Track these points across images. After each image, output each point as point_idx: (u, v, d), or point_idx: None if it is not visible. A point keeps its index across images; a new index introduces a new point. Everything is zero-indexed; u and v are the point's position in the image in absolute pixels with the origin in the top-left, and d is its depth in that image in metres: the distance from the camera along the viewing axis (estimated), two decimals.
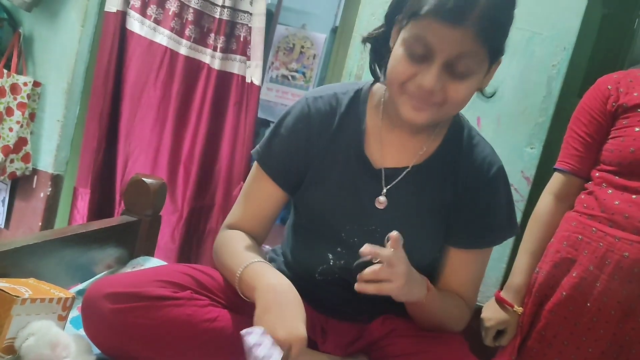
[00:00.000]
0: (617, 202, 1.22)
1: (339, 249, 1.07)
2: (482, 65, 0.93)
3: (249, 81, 2.09)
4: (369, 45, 1.08)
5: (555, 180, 1.40)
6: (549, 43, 1.78)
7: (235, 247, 1.05)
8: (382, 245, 0.92)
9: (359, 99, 1.08)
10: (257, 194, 1.11)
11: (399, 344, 1.03)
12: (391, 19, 0.99)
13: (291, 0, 3.83)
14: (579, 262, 1.26)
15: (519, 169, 1.82)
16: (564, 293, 1.27)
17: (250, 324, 0.95)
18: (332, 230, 1.05)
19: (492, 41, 0.90)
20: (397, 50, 0.93)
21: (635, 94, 1.25)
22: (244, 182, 2.09)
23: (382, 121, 1.06)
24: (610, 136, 1.29)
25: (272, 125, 1.11)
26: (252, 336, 0.87)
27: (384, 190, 1.04)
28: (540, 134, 1.81)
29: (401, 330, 1.06)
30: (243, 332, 0.88)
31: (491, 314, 1.43)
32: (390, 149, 1.06)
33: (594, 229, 1.25)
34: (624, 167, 1.22)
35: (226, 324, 0.97)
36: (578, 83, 1.85)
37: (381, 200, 1.04)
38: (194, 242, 2.18)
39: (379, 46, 1.04)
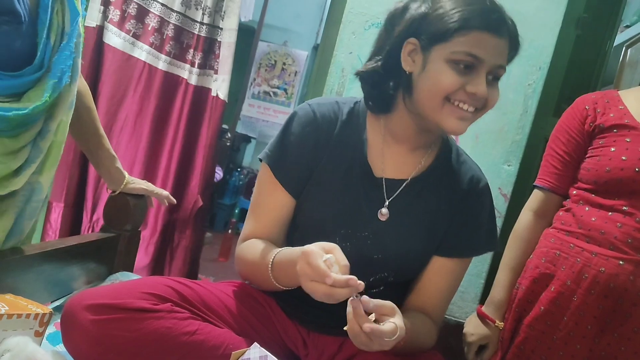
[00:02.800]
0: (593, 219, 1.24)
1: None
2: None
3: (215, 94, 2.10)
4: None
5: (535, 198, 1.43)
6: (525, 63, 1.83)
7: (258, 248, 1.06)
8: (372, 253, 0.96)
9: (358, 110, 1.11)
10: (271, 203, 1.10)
11: (379, 358, 1.02)
12: (394, 47, 1.02)
13: (273, 18, 3.86)
14: (557, 277, 1.28)
15: (496, 186, 1.84)
16: (542, 308, 1.29)
17: (230, 336, 0.96)
18: (325, 234, 1.03)
19: (516, 49, 1.03)
20: (439, 66, 0.97)
21: (611, 115, 1.28)
22: (200, 196, 2.11)
23: (383, 136, 1.09)
24: (587, 155, 1.32)
25: (278, 133, 1.11)
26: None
27: (387, 203, 1.07)
28: (517, 151, 1.84)
29: None
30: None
31: (473, 329, 1.45)
32: (391, 161, 1.09)
33: (571, 244, 1.27)
34: (600, 185, 1.25)
35: (206, 337, 0.96)
36: (553, 101, 1.90)
37: (383, 212, 1.07)
38: (167, 256, 2.16)
39: (379, 77, 1.06)
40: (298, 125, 1.08)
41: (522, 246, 1.41)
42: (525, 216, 1.43)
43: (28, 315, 0.92)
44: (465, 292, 1.87)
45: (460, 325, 1.84)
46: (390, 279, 1.09)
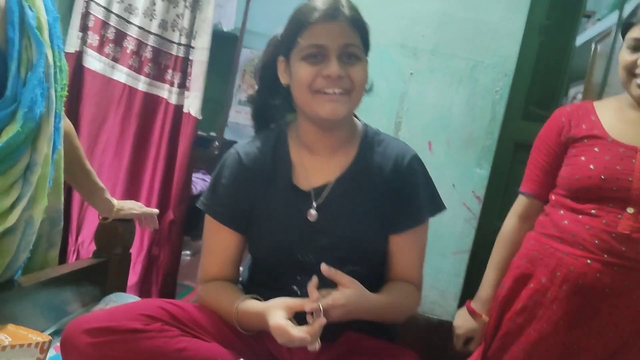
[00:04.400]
0: (565, 222, 1.33)
1: (298, 277, 1.16)
2: (362, 53, 1.14)
3: (187, 111, 2.16)
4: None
5: (519, 203, 1.52)
6: (491, 70, 1.91)
7: (220, 295, 1.18)
8: (333, 254, 1.09)
9: (279, 140, 1.24)
10: (218, 244, 1.22)
11: None
12: (268, 75, 1.20)
13: (254, 24, 3.91)
14: (534, 276, 1.36)
15: (470, 190, 1.93)
16: (521, 304, 1.38)
17: (218, 350, 1.05)
18: (288, 255, 1.16)
19: (361, 29, 1.13)
20: (297, 67, 1.12)
21: (583, 126, 1.37)
22: (172, 210, 2.17)
23: (300, 152, 1.21)
24: (563, 164, 1.41)
25: (210, 181, 1.24)
26: None
27: (314, 205, 1.17)
28: (487, 155, 1.92)
29: (361, 348, 1.14)
30: None
31: (461, 322, 1.55)
32: (314, 172, 1.20)
33: (547, 246, 1.36)
34: (572, 192, 1.34)
35: (195, 352, 1.04)
36: (521, 106, 1.98)
37: (312, 213, 1.17)
38: (154, 273, 2.21)
39: (264, 100, 1.25)
40: (227, 169, 1.21)
41: (507, 248, 1.50)
42: (511, 220, 1.52)
43: (30, 345, 0.99)
44: (446, 292, 1.95)
45: (442, 323, 1.93)
46: (361, 271, 1.16)
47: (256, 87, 1.25)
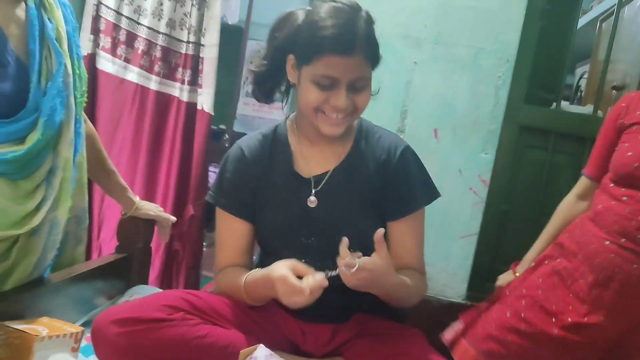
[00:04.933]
0: (600, 206, 1.40)
1: (304, 260, 1.20)
2: (371, 75, 1.18)
3: (200, 108, 2.21)
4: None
5: (580, 183, 1.59)
6: (493, 56, 1.95)
7: (230, 276, 1.25)
8: (333, 239, 1.10)
9: (280, 131, 1.31)
10: (229, 233, 1.29)
11: (367, 343, 1.18)
12: (279, 57, 1.22)
13: (259, 16, 3.93)
14: (569, 249, 1.43)
15: (476, 174, 1.98)
16: (547, 262, 1.48)
17: (237, 336, 1.11)
18: (291, 239, 1.23)
19: (375, 58, 1.17)
20: (306, 84, 1.15)
21: (637, 113, 1.41)
22: (192, 205, 2.23)
23: (301, 142, 1.28)
24: (616, 148, 1.46)
25: (217, 175, 1.31)
26: None
27: (313, 192, 1.25)
28: (492, 140, 1.97)
29: (370, 329, 1.21)
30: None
31: (501, 277, 1.70)
32: (314, 160, 1.27)
33: (584, 225, 1.43)
34: (615, 177, 1.40)
35: (216, 339, 1.11)
36: (523, 90, 2.02)
37: (312, 200, 1.24)
38: (174, 267, 2.28)
39: (264, 78, 1.27)
40: (230, 164, 1.29)
41: (557, 221, 1.60)
42: (568, 198, 1.61)
43: (64, 335, 1.06)
44: (456, 274, 2.01)
45: (453, 305, 1.99)
46: (359, 253, 1.21)
47: (264, 61, 1.26)
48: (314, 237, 1.23)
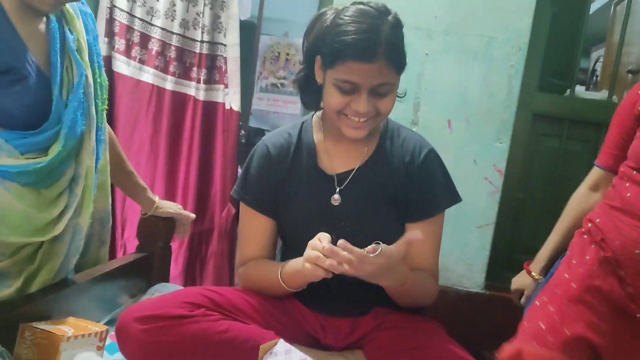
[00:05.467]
0: (629, 194, 1.33)
1: None
2: (396, 80, 1.17)
3: (229, 107, 2.24)
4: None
5: (592, 174, 1.55)
6: (505, 45, 1.95)
7: (263, 265, 1.28)
8: (354, 237, 1.11)
9: (305, 128, 1.32)
10: (252, 229, 1.31)
11: (386, 336, 1.20)
12: (310, 59, 1.22)
13: (271, 10, 3.95)
14: (596, 240, 1.35)
15: (490, 163, 1.98)
16: (578, 263, 1.36)
17: (257, 331, 1.14)
18: (312, 236, 1.21)
19: (399, 64, 1.15)
20: (329, 87, 1.16)
21: None
22: (231, 203, 2.27)
23: (326, 139, 1.29)
24: (635, 136, 1.39)
25: (242, 171, 1.34)
26: (278, 356, 1.04)
27: (337, 190, 1.25)
28: (506, 129, 1.97)
29: (388, 322, 1.23)
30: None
31: (516, 278, 1.64)
32: (338, 158, 1.28)
33: (611, 215, 1.35)
34: (637, 164, 1.34)
35: (236, 334, 1.14)
36: (536, 78, 2.01)
37: (335, 198, 1.25)
38: (197, 264, 2.32)
39: (306, 84, 1.27)
40: (255, 160, 1.31)
41: (571, 214, 1.55)
42: (580, 189, 1.57)
43: (90, 334, 1.10)
44: (473, 264, 2.02)
45: (470, 295, 2.00)
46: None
47: (301, 66, 1.27)
48: (334, 234, 1.21)
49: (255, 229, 1.31)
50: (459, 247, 2.01)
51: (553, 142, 2.05)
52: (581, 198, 1.55)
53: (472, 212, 2.00)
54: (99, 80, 1.31)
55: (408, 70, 1.98)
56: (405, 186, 1.26)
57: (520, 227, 2.08)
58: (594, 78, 3.22)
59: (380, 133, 1.29)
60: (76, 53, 1.21)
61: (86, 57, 1.25)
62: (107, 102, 1.36)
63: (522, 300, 1.60)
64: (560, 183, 2.01)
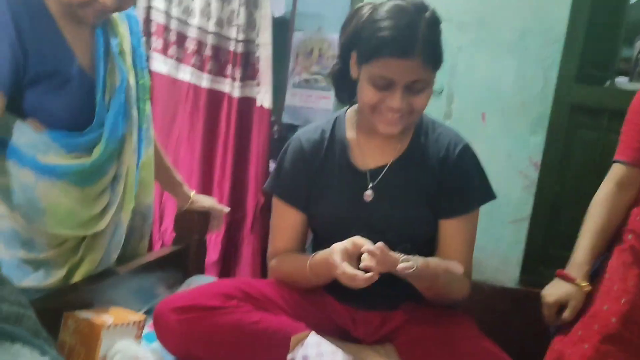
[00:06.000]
0: None
1: None
2: (432, 77, 1.16)
3: (260, 105, 2.29)
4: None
5: (616, 171, 1.42)
6: (540, 37, 1.92)
7: (293, 258, 1.31)
8: (385, 234, 1.14)
9: (339, 123, 1.32)
10: (284, 222, 1.34)
11: (417, 330, 1.21)
12: (346, 54, 1.22)
13: (304, 6, 3.97)
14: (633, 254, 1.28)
15: (526, 156, 1.95)
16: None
17: (288, 322, 1.17)
18: (343, 231, 1.23)
19: (435, 61, 1.15)
20: (364, 83, 1.16)
21: None
22: (261, 195, 2.31)
23: (358, 135, 1.29)
24: None
25: (275, 165, 1.36)
26: (309, 347, 1.06)
27: (370, 185, 1.26)
28: (542, 121, 1.94)
29: (419, 317, 1.23)
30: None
31: (551, 289, 1.41)
32: (371, 154, 1.28)
33: None
34: None
35: (267, 324, 1.17)
36: (574, 69, 1.97)
37: (368, 194, 1.26)
38: (232, 255, 2.37)
39: (339, 78, 1.28)
40: (289, 155, 1.33)
41: (603, 214, 1.41)
42: (606, 187, 1.43)
43: (129, 324, 1.15)
44: (507, 259, 2.00)
45: (505, 290, 1.98)
46: (409, 247, 1.22)
47: (336, 59, 1.28)
48: (364, 231, 1.21)
49: (286, 222, 1.33)
50: (492, 242, 2.00)
51: (592, 135, 2.00)
52: (612, 197, 1.40)
53: (507, 206, 1.98)
54: (141, 81, 1.35)
55: None
56: (439, 182, 1.25)
57: (557, 222, 2.04)
58: (637, 68, 3.12)
59: (415, 129, 1.29)
60: (119, 57, 1.26)
61: (129, 61, 1.30)
62: (149, 102, 1.40)
63: (566, 314, 1.34)
64: (598, 176, 1.93)
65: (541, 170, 1.96)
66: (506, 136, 1.96)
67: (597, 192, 1.46)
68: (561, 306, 1.36)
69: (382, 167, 1.26)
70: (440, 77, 1.98)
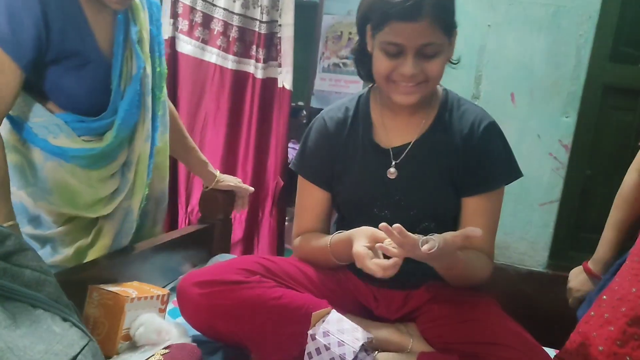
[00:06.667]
0: None
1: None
2: (444, 42, 1.12)
3: (281, 86, 2.29)
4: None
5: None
6: (574, 14, 1.86)
7: (315, 238, 1.30)
8: (409, 211, 1.14)
9: (363, 101, 1.31)
10: (308, 201, 1.33)
11: (439, 309, 1.19)
12: (362, 29, 1.20)
13: None
14: None
15: (556, 138, 1.91)
16: None
17: (310, 298, 1.16)
18: (365, 209, 1.24)
19: (444, 23, 1.10)
20: (377, 53, 1.15)
21: None
22: (280, 175, 2.32)
23: (382, 112, 1.27)
24: None
25: (300, 144, 1.35)
26: (330, 324, 1.06)
27: (393, 163, 1.24)
28: (574, 102, 1.89)
29: (442, 296, 1.22)
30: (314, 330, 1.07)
31: (580, 285, 1.47)
32: (394, 131, 1.26)
33: None
34: None
35: (289, 300, 1.16)
36: (607, 48, 1.91)
37: (391, 172, 1.23)
38: (254, 233, 2.41)
39: (360, 55, 1.26)
40: (313, 134, 1.31)
41: (627, 206, 1.40)
42: (631, 176, 1.41)
43: (152, 297, 1.16)
44: (535, 243, 1.96)
45: (532, 274, 1.95)
46: (432, 226, 1.23)
47: (357, 38, 1.26)
48: (388, 209, 1.23)
49: (311, 201, 1.33)
50: (521, 225, 1.96)
51: (626, 116, 1.94)
52: (634, 186, 1.37)
53: (536, 188, 1.94)
54: (158, 69, 1.36)
55: (469, 42, 1.96)
56: (464, 159, 1.22)
57: (587, 205, 1.99)
58: None
59: (440, 105, 1.26)
60: (137, 45, 1.26)
61: (147, 49, 1.30)
62: (165, 89, 1.40)
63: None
64: (631, 160, 1.90)
65: (572, 153, 1.91)
66: (536, 117, 1.92)
67: (623, 181, 1.43)
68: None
69: (406, 145, 1.25)
70: (469, 56, 1.95)
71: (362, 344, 1.03)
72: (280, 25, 2.25)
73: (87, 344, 0.62)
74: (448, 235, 1.05)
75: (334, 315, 1.12)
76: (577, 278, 1.49)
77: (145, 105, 1.30)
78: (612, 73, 1.90)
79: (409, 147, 1.24)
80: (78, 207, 1.23)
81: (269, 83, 2.32)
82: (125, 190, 1.28)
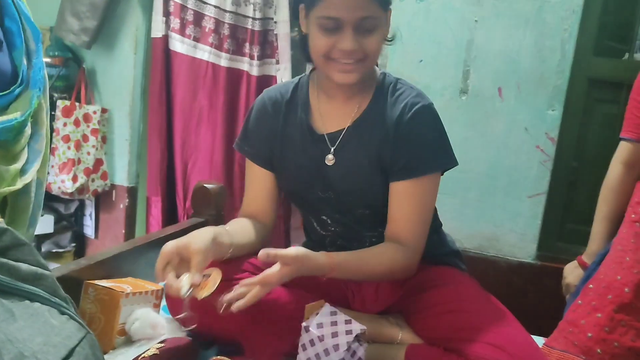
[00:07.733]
0: None
1: (323, 217, 1.28)
2: (382, 16, 1.13)
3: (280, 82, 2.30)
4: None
5: (623, 149, 1.44)
6: (558, 8, 1.89)
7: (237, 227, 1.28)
8: (345, 199, 1.17)
9: (302, 84, 1.30)
10: (251, 179, 1.34)
11: (422, 299, 1.22)
12: (296, 12, 1.19)
13: None
14: None
15: (543, 131, 1.94)
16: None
17: (299, 294, 1.19)
18: (307, 194, 1.25)
19: None
20: (313, 31, 1.13)
21: None
22: None
23: (318, 96, 1.27)
24: None
25: (244, 120, 1.35)
26: (324, 316, 1.09)
27: (332, 150, 1.23)
28: (559, 96, 1.92)
29: (417, 284, 1.25)
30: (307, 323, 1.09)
31: (576, 280, 1.49)
32: (330, 117, 1.25)
33: None
34: None
35: (278, 295, 1.19)
36: (591, 41, 1.94)
37: (329, 158, 1.23)
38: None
39: (299, 40, 1.25)
40: (254, 112, 1.32)
41: (615, 198, 1.44)
42: (615, 168, 1.45)
43: (147, 292, 1.19)
44: (524, 235, 1.99)
45: (522, 265, 1.99)
46: (367, 212, 1.25)
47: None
48: (330, 191, 1.24)
49: (254, 180, 1.33)
50: (509, 217, 2.00)
51: (610, 108, 1.97)
52: (621, 177, 1.42)
53: (524, 181, 1.97)
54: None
55: (456, 37, 1.99)
56: (392, 145, 1.19)
57: (574, 197, 2.03)
58: None
59: (375, 89, 1.24)
60: (31, 18, 1.26)
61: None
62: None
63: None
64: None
65: (558, 145, 1.94)
66: (523, 111, 1.95)
67: (607, 173, 1.47)
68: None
69: (341, 131, 1.24)
70: (456, 51, 1.98)
71: (356, 336, 1.06)
72: (275, 22, 2.26)
73: (84, 336, 0.65)
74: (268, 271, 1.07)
75: (328, 307, 1.15)
76: (572, 273, 1.52)
77: (45, 77, 1.31)
78: (597, 66, 1.94)
79: (343, 133, 1.23)
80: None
81: (265, 81, 2.34)
82: (38, 162, 1.27)
